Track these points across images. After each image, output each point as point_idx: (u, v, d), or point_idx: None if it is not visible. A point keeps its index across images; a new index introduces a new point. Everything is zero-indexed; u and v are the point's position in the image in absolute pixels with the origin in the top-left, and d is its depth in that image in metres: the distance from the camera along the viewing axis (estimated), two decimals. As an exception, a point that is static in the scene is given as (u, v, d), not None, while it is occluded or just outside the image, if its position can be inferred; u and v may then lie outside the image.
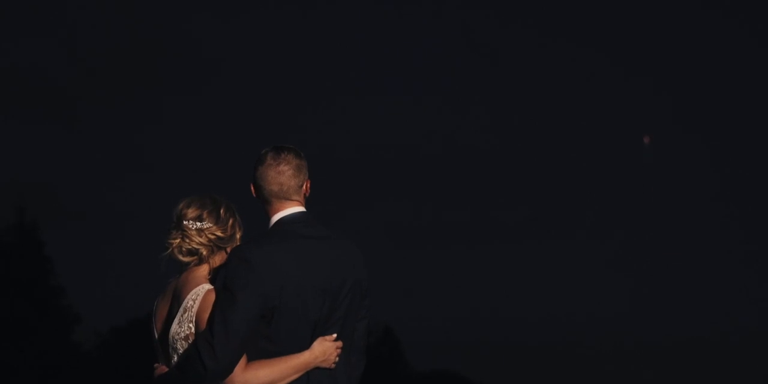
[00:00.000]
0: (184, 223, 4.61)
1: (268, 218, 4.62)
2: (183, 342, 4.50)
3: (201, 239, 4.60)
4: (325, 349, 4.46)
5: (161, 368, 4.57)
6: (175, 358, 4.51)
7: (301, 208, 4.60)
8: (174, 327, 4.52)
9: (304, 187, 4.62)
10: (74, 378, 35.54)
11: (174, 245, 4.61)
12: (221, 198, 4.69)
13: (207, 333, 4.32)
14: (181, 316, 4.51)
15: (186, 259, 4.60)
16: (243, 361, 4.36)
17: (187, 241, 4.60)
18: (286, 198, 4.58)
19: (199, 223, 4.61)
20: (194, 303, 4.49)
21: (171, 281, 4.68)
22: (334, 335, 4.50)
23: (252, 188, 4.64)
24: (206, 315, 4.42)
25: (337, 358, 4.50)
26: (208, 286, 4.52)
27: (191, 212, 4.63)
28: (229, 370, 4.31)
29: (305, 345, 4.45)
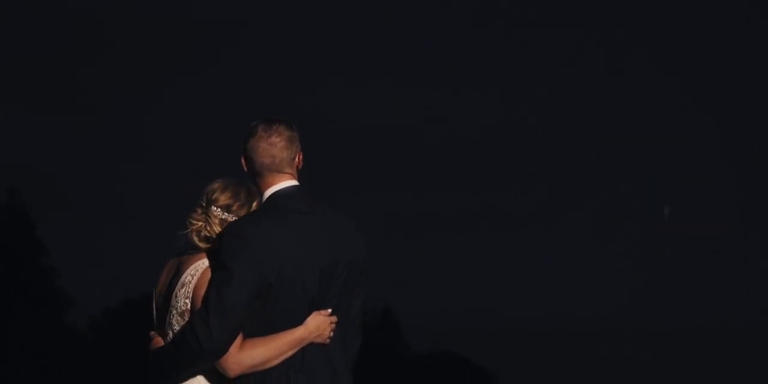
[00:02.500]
0: (212, 208, 4.56)
1: (261, 193, 4.59)
2: (179, 318, 4.49)
3: (221, 229, 4.54)
4: (319, 324, 4.45)
5: (157, 339, 4.55)
6: (171, 335, 4.51)
7: (294, 182, 4.57)
8: (171, 302, 4.52)
9: (296, 159, 4.58)
10: (67, 359, 35.63)
11: (195, 228, 4.55)
12: (256, 191, 4.61)
13: (203, 311, 4.30)
14: (179, 290, 4.50)
15: (201, 245, 4.54)
16: (238, 340, 4.35)
17: (208, 228, 4.54)
18: (279, 171, 4.54)
19: (226, 214, 4.56)
20: (192, 278, 4.48)
21: (175, 258, 4.65)
22: (329, 310, 4.49)
23: (243, 162, 4.60)
24: (203, 291, 4.42)
25: (332, 333, 4.50)
26: (208, 262, 4.50)
27: (223, 199, 4.57)
28: (226, 349, 4.30)
29: (302, 322, 4.44)
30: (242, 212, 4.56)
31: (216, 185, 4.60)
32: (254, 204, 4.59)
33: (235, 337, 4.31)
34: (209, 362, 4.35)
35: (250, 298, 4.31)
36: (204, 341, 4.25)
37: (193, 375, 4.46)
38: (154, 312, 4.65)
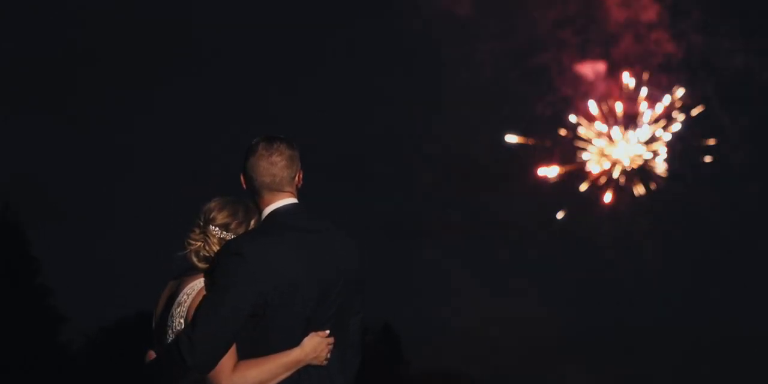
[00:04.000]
0: (210, 227, 4.55)
1: (260, 211, 4.59)
2: (174, 337, 4.48)
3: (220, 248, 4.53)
4: (315, 345, 4.43)
5: (150, 354, 4.55)
6: None
7: (294, 200, 4.57)
8: (167, 322, 4.52)
9: (296, 178, 4.59)
10: (62, 380, 35.56)
11: (193, 248, 4.55)
12: (254, 208, 4.60)
13: (189, 326, 4.30)
14: (175, 310, 4.50)
15: (200, 265, 4.53)
16: (231, 362, 4.33)
17: (207, 248, 4.53)
18: (279, 189, 4.55)
19: (225, 233, 4.55)
20: (188, 298, 4.47)
21: (175, 279, 4.64)
22: (327, 331, 4.48)
23: (242, 180, 4.60)
24: None
25: (329, 355, 4.48)
26: (204, 282, 4.50)
27: (221, 218, 4.56)
28: (209, 366, 4.27)
29: (298, 343, 4.43)
30: (241, 230, 4.55)
31: (213, 204, 4.59)
32: (252, 222, 4.58)
33: (223, 354, 4.29)
34: (194, 375, 4.32)
35: (243, 317, 4.30)
36: (186, 356, 4.23)
37: None
38: (153, 332, 4.64)
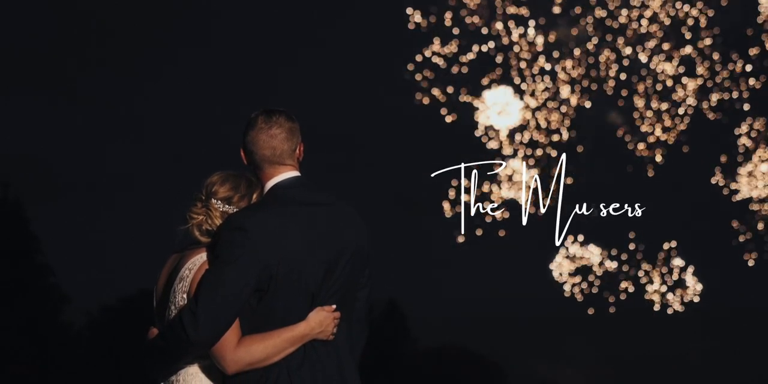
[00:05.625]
0: (212, 201, 4.55)
1: (262, 185, 4.56)
2: (177, 312, 4.46)
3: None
4: (321, 320, 4.40)
5: (152, 331, 4.54)
6: None
7: (296, 173, 4.55)
8: (169, 297, 4.51)
9: (297, 150, 4.56)
10: (65, 358, 35.71)
11: (195, 222, 4.54)
12: (256, 182, 4.59)
13: (192, 301, 4.28)
14: (177, 285, 4.49)
15: (202, 239, 4.53)
16: (235, 337, 4.32)
17: (209, 221, 4.53)
18: (280, 162, 4.52)
19: (227, 206, 4.55)
20: (190, 272, 4.46)
21: (177, 253, 4.63)
22: (333, 306, 4.45)
23: (242, 154, 4.57)
24: None
25: (336, 329, 4.45)
26: (206, 256, 4.48)
27: (223, 192, 4.56)
28: (212, 340, 4.27)
29: (303, 317, 4.40)
30: (243, 204, 4.54)
31: (215, 178, 4.58)
32: (254, 195, 4.57)
33: (226, 329, 4.28)
34: (198, 350, 4.32)
35: (246, 290, 4.29)
36: (189, 330, 4.23)
37: (188, 364, 4.46)
38: (155, 307, 4.63)
